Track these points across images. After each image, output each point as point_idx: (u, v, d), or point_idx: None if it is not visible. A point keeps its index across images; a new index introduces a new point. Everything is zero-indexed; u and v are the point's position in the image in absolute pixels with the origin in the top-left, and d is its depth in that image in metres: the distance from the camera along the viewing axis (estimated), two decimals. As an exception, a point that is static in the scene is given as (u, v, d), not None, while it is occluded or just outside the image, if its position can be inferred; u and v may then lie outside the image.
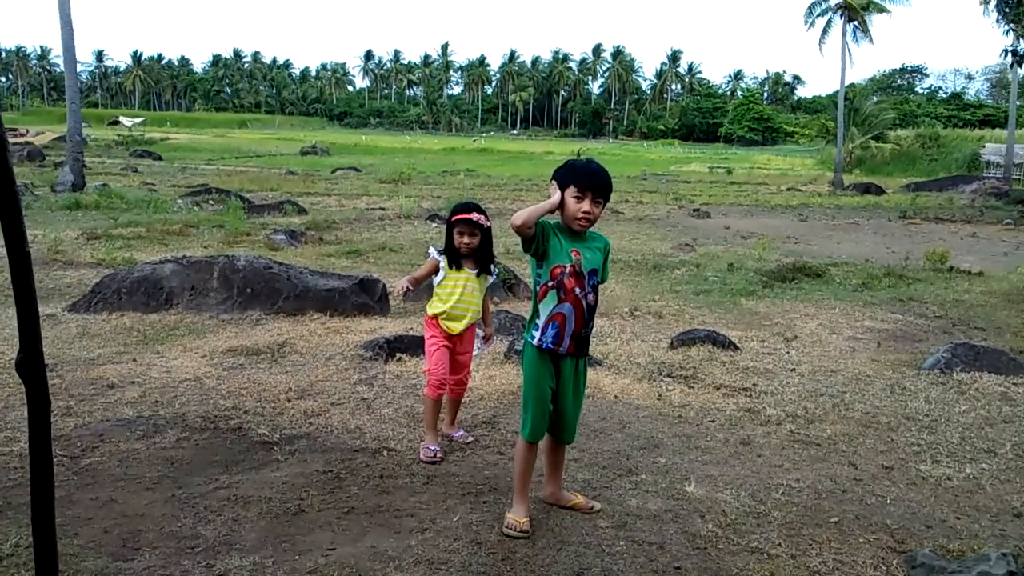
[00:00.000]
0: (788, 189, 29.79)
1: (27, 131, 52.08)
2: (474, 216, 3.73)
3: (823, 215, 20.42)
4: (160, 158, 36.31)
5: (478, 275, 3.86)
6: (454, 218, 3.77)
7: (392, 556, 2.81)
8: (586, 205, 2.93)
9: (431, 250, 3.91)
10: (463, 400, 4.22)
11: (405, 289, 3.84)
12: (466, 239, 3.73)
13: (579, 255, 2.99)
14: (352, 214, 16.14)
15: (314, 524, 3.08)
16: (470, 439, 4.02)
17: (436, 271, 3.86)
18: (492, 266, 3.94)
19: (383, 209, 17.40)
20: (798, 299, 8.49)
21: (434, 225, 14.27)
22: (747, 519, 3.22)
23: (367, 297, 6.99)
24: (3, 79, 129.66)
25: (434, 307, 3.86)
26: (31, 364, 1.54)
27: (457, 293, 3.79)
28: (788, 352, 6.15)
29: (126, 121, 70.59)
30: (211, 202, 16.14)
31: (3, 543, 2.78)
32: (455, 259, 3.80)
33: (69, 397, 4.42)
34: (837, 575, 2.80)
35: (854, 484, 3.64)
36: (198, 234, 11.90)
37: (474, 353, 4.05)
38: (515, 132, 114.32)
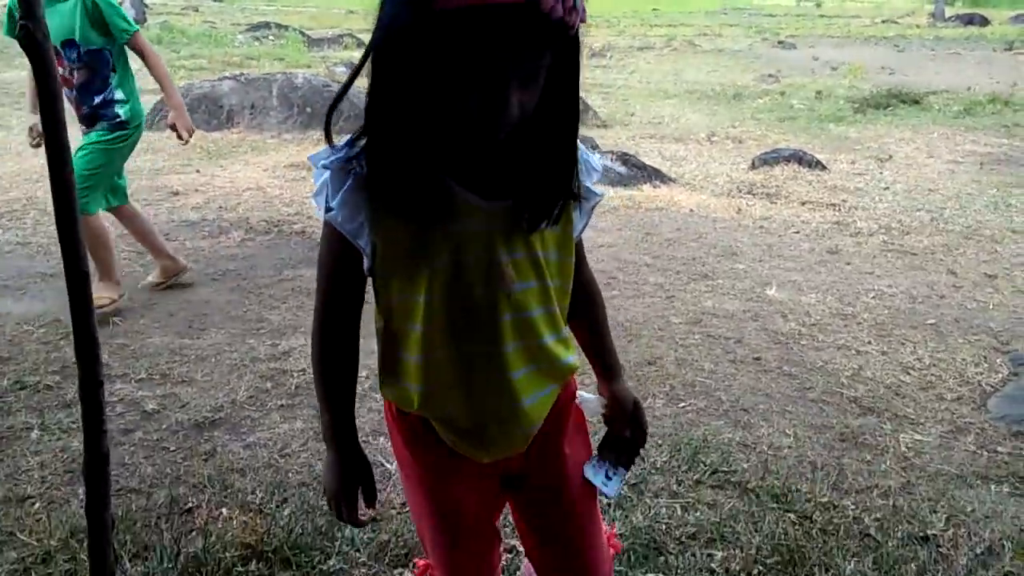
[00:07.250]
0: (883, 21, 27.36)
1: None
2: None
3: (921, 46, 18.67)
4: (220, -1, 35.49)
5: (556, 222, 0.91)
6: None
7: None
8: None
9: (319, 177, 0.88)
10: None
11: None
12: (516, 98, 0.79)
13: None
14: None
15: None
16: None
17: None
18: (576, 184, 0.91)
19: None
20: (893, 124, 7.84)
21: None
22: (833, 320, 3.01)
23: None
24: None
25: (387, 385, 0.98)
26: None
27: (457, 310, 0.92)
28: (881, 172, 5.70)
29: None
30: (271, 37, 15.78)
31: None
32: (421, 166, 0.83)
33: (135, 201, 4.38)
34: (934, 370, 2.59)
35: (953, 291, 3.36)
36: (259, 66, 11.61)
37: (603, 486, 1.08)
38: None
